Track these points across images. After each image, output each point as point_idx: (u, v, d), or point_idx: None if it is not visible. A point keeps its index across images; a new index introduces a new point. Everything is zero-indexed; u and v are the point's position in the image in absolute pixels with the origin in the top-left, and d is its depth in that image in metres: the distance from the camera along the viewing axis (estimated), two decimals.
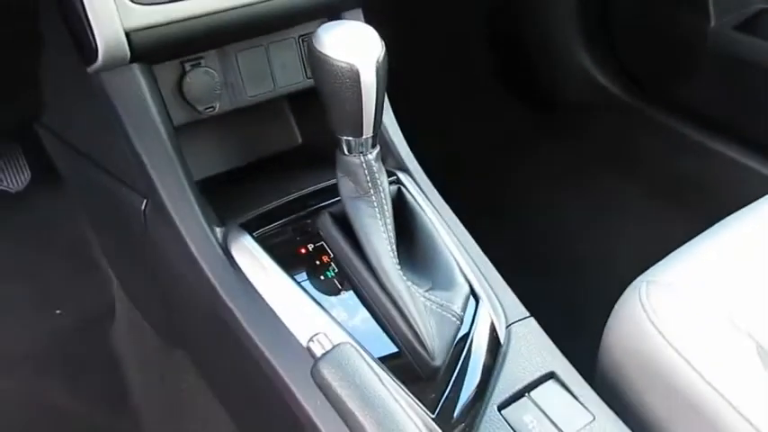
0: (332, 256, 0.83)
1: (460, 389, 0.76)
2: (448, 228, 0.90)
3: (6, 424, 1.32)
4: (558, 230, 1.70)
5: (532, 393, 0.78)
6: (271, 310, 0.79)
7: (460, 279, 0.82)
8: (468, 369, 0.78)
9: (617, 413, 0.79)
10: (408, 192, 0.89)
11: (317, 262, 0.82)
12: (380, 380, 0.62)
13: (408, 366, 0.75)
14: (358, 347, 0.64)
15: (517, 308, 0.87)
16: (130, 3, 0.75)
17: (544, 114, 2.01)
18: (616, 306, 0.89)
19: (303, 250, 0.83)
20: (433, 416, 0.73)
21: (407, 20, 1.79)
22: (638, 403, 0.85)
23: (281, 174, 0.98)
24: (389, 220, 0.78)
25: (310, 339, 0.65)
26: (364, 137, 0.74)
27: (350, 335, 0.76)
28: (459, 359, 0.78)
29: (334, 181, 0.80)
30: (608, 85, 1.79)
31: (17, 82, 1.12)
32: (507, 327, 0.84)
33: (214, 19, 0.80)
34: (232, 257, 0.83)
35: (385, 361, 0.75)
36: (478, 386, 0.77)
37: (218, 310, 0.82)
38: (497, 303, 0.85)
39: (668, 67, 1.68)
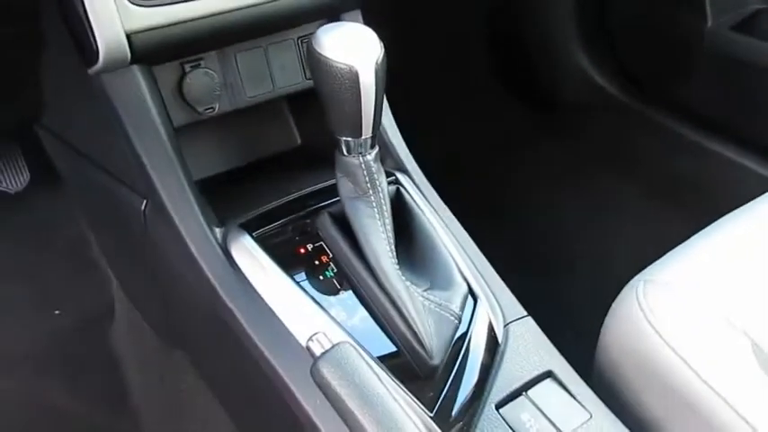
0: (331, 256, 0.83)
1: (459, 388, 0.77)
2: (446, 228, 0.90)
3: (6, 424, 1.31)
4: (556, 230, 1.70)
5: (530, 392, 0.79)
6: (270, 309, 0.79)
7: (459, 279, 0.83)
8: (467, 368, 0.78)
9: (614, 411, 0.79)
10: (407, 192, 0.90)
11: (317, 262, 0.83)
12: (379, 379, 0.62)
13: (407, 365, 0.76)
14: (357, 347, 0.64)
15: (515, 307, 0.87)
16: (131, 5, 0.75)
17: (543, 114, 2.01)
18: (613, 305, 0.89)
19: (302, 250, 0.83)
20: (432, 414, 0.73)
21: (407, 20, 1.79)
22: (634, 402, 0.85)
23: (280, 174, 0.99)
24: (388, 221, 0.79)
25: (309, 339, 0.65)
26: (363, 138, 0.74)
27: (349, 334, 0.76)
28: (457, 358, 0.78)
29: (333, 181, 0.80)
30: (606, 85, 1.79)
31: (17, 82, 1.12)
32: (505, 326, 0.84)
33: (215, 20, 0.81)
34: (232, 257, 0.83)
35: (384, 360, 0.75)
36: (476, 385, 0.77)
37: (217, 310, 0.83)
38: (495, 303, 0.86)
39: (666, 67, 1.68)
